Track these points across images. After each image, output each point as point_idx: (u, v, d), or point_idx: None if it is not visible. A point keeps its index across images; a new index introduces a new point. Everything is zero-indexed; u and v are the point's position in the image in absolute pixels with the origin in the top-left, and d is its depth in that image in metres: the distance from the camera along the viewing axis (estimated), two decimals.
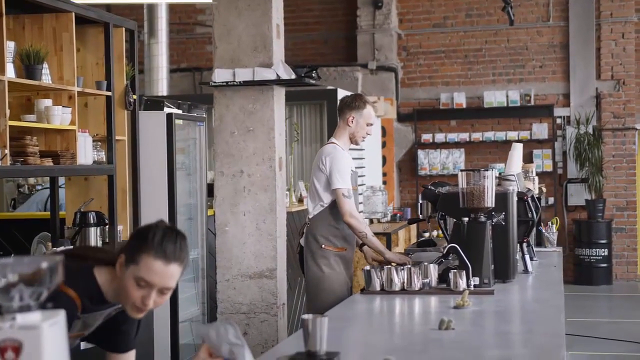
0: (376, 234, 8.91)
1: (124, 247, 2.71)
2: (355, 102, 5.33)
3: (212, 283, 6.47)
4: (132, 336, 2.95)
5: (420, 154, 12.97)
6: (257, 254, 5.81)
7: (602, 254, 12.29)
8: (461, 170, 4.49)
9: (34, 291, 1.77)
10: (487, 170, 4.45)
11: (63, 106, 5.10)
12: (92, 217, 5.45)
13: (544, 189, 10.66)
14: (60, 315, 1.79)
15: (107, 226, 5.61)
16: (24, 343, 1.71)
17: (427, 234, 11.92)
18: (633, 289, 12.22)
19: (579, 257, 12.39)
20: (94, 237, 5.45)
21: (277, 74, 5.81)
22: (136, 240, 2.66)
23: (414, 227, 11.17)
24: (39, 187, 8.51)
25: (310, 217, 5.32)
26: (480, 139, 12.79)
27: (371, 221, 10.19)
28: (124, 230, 5.89)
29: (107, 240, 5.64)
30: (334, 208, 5.18)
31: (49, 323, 1.75)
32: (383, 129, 12.36)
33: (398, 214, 10.87)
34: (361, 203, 9.76)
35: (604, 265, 12.33)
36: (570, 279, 12.44)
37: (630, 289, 12.18)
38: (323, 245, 5.22)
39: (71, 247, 5.01)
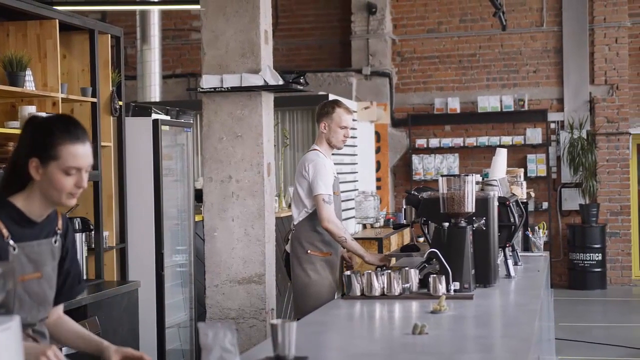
0: (368, 239, 9.00)
1: (27, 153, 2.69)
2: (324, 108, 5.44)
3: (201, 288, 6.48)
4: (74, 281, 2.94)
5: (415, 159, 12.98)
6: (245, 259, 5.82)
7: (596, 259, 12.29)
8: (442, 176, 4.51)
9: None
10: (468, 175, 4.46)
11: (47, 113, 5.11)
12: (77, 223, 5.46)
13: (532, 194, 10.69)
14: (15, 321, 1.81)
15: (92, 232, 5.62)
16: None
17: (421, 239, 11.92)
18: (627, 294, 12.21)
19: (573, 262, 12.39)
20: (80, 243, 5.46)
21: (265, 80, 5.83)
22: (42, 141, 2.68)
23: (407, 232, 11.17)
24: None
25: (295, 223, 5.40)
26: (475, 144, 12.81)
27: (364, 226, 10.20)
28: (109, 237, 5.91)
29: (92, 246, 5.65)
30: None
31: (2, 328, 1.76)
32: (377, 134, 12.39)
33: (391, 219, 10.86)
34: (352, 209, 9.78)
35: (598, 269, 12.33)
36: (564, 284, 12.46)
37: (624, 294, 12.17)
38: (309, 251, 5.28)
39: None
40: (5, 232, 2.66)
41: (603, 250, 12.34)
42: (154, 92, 10.73)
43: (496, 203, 4.72)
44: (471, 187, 4.44)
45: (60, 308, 3.00)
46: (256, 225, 5.85)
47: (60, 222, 2.86)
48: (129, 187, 6.12)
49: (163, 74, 11.54)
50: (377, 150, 12.35)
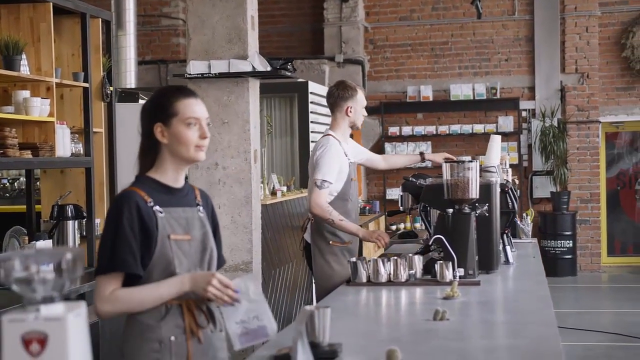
0: None
1: (150, 122, 2.87)
2: (348, 91, 5.34)
3: None
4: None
5: (388, 146, 13.00)
6: (232, 247, 5.80)
7: (567, 246, 12.44)
8: (445, 161, 4.50)
9: (57, 282, 1.74)
10: (472, 161, 4.46)
11: (42, 97, 5.02)
12: (69, 210, 5.38)
13: (517, 181, 10.78)
14: (82, 307, 1.77)
15: (84, 219, 5.53)
16: (49, 335, 1.69)
17: (402, 226, 11.97)
18: (597, 280, 12.38)
19: (544, 249, 12.49)
20: (72, 230, 5.38)
21: (253, 66, 5.78)
22: (159, 104, 2.88)
23: (382, 219, 11.21)
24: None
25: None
26: (447, 132, 12.85)
27: None
28: (101, 224, 5.82)
29: (84, 233, 5.57)
30: (338, 202, 5.12)
31: (74, 314, 1.73)
32: None
33: (367, 207, 10.88)
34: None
35: (569, 256, 12.48)
36: None
37: (594, 280, 12.34)
38: (331, 242, 5.17)
39: None
40: (148, 198, 2.81)
41: (573, 238, 12.48)
42: (130, 78, 10.57)
43: (498, 189, 4.74)
44: (475, 173, 4.44)
45: None
46: (243, 212, 5.82)
47: (198, 195, 2.99)
48: (119, 173, 6.04)
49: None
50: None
